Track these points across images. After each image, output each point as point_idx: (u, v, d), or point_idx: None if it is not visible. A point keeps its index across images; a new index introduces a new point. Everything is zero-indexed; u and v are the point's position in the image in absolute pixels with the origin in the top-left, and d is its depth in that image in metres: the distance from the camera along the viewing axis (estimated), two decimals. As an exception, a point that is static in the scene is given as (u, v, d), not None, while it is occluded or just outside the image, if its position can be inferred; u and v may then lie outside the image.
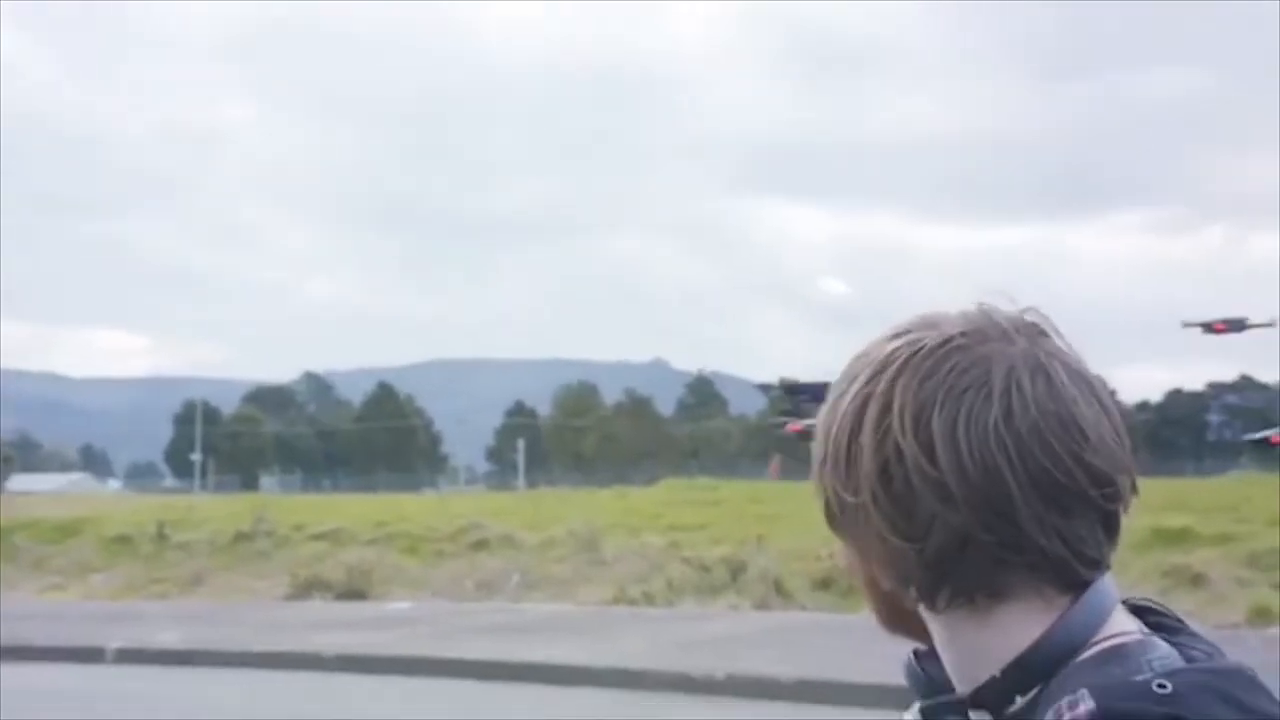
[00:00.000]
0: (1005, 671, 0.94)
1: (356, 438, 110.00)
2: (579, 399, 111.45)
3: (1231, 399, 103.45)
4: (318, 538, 22.51)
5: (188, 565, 21.22)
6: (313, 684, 11.44)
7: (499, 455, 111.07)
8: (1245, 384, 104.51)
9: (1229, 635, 10.48)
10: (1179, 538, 15.64)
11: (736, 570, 17.17)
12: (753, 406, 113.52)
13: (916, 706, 1.01)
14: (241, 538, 22.70)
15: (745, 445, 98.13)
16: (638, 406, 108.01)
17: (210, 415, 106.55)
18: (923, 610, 0.98)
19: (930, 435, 0.93)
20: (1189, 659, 0.95)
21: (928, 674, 1.03)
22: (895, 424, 0.94)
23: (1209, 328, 14.78)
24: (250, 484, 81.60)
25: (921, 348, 0.96)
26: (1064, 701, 0.89)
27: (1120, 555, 0.99)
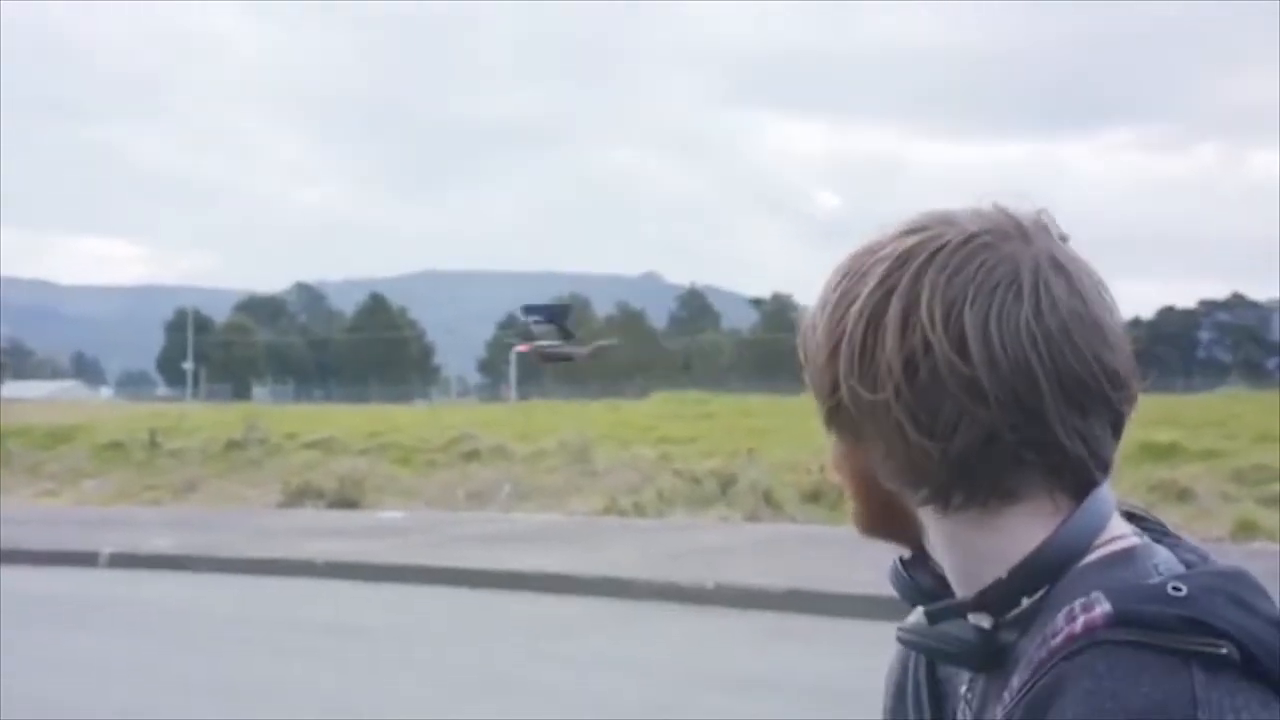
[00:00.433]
0: (1012, 573, 0.94)
1: (348, 348, 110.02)
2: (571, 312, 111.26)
3: (1223, 316, 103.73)
4: (310, 446, 22.59)
5: (180, 472, 21.32)
6: (305, 590, 11.54)
7: (491, 367, 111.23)
8: (1236, 301, 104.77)
9: (1214, 549, 10.53)
10: (1167, 453, 15.76)
11: (727, 482, 17.28)
12: (745, 320, 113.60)
13: (920, 611, 1.00)
14: (234, 446, 22.79)
15: (737, 359, 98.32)
16: (630, 320, 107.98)
17: (202, 324, 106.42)
18: (927, 513, 0.97)
19: (962, 330, 0.91)
20: (1186, 564, 0.95)
21: (915, 580, 1.03)
22: (924, 318, 0.92)
23: None
24: (242, 393, 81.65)
25: (946, 243, 0.94)
26: (1077, 603, 0.89)
27: (1108, 469, 0.99)
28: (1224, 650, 0.84)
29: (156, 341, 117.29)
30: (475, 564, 11.81)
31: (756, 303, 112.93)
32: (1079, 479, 0.94)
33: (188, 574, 12.32)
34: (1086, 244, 0.98)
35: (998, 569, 0.94)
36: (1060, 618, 0.89)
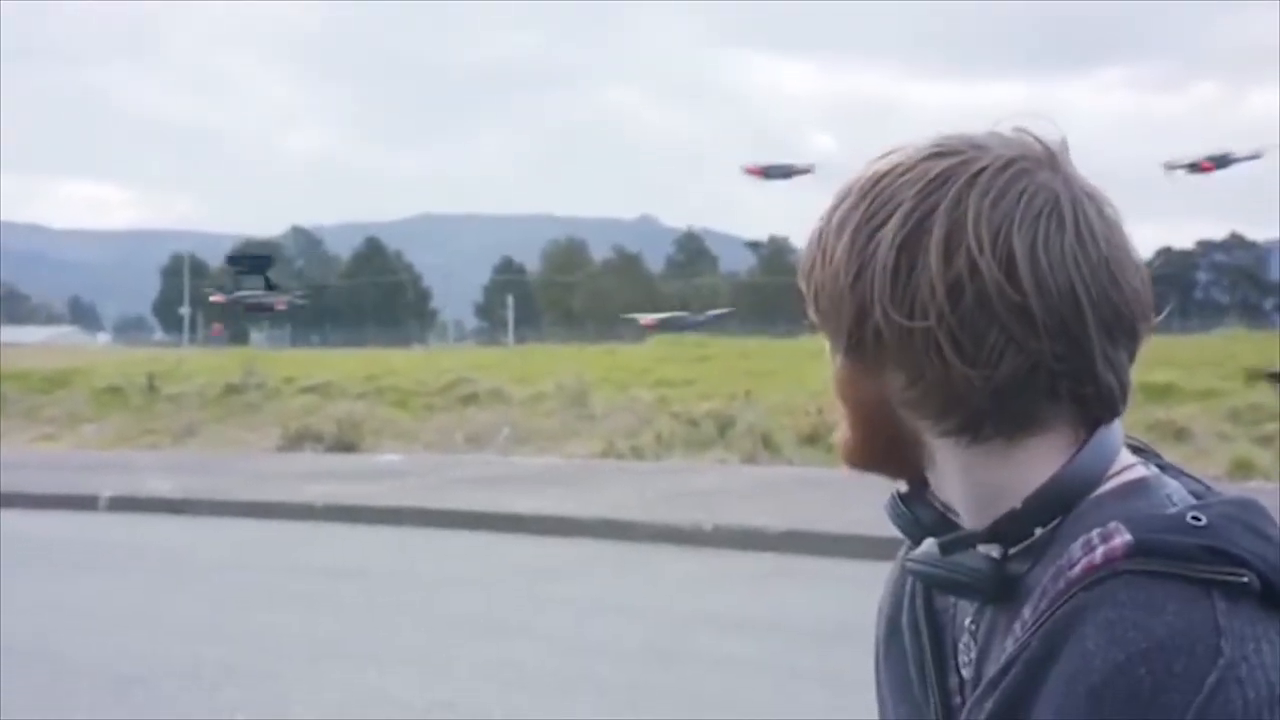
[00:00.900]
0: (1026, 503, 0.93)
1: (345, 293, 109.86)
2: (568, 255, 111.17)
3: (1220, 257, 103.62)
4: (308, 391, 22.61)
5: (178, 417, 21.34)
6: (303, 533, 11.59)
7: (488, 312, 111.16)
8: (1235, 242, 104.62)
9: (1209, 489, 10.59)
10: (1164, 393, 15.78)
11: (725, 425, 17.32)
12: (743, 263, 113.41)
13: (931, 542, 0.99)
14: (232, 390, 22.80)
15: (735, 302, 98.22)
16: (626, 263, 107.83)
17: (198, 269, 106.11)
18: (946, 444, 0.95)
19: (1010, 254, 0.89)
20: (1194, 494, 0.95)
21: (915, 515, 1.02)
22: (971, 240, 0.89)
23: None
24: (239, 338, 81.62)
25: (985, 167, 0.92)
26: (1094, 533, 0.88)
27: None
28: (1245, 579, 0.84)
29: (152, 286, 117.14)
30: (473, 507, 11.85)
31: (754, 245, 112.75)
32: (1106, 410, 0.94)
33: (187, 517, 12.36)
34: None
35: (1012, 500, 0.94)
36: (1077, 548, 0.88)
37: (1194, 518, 0.87)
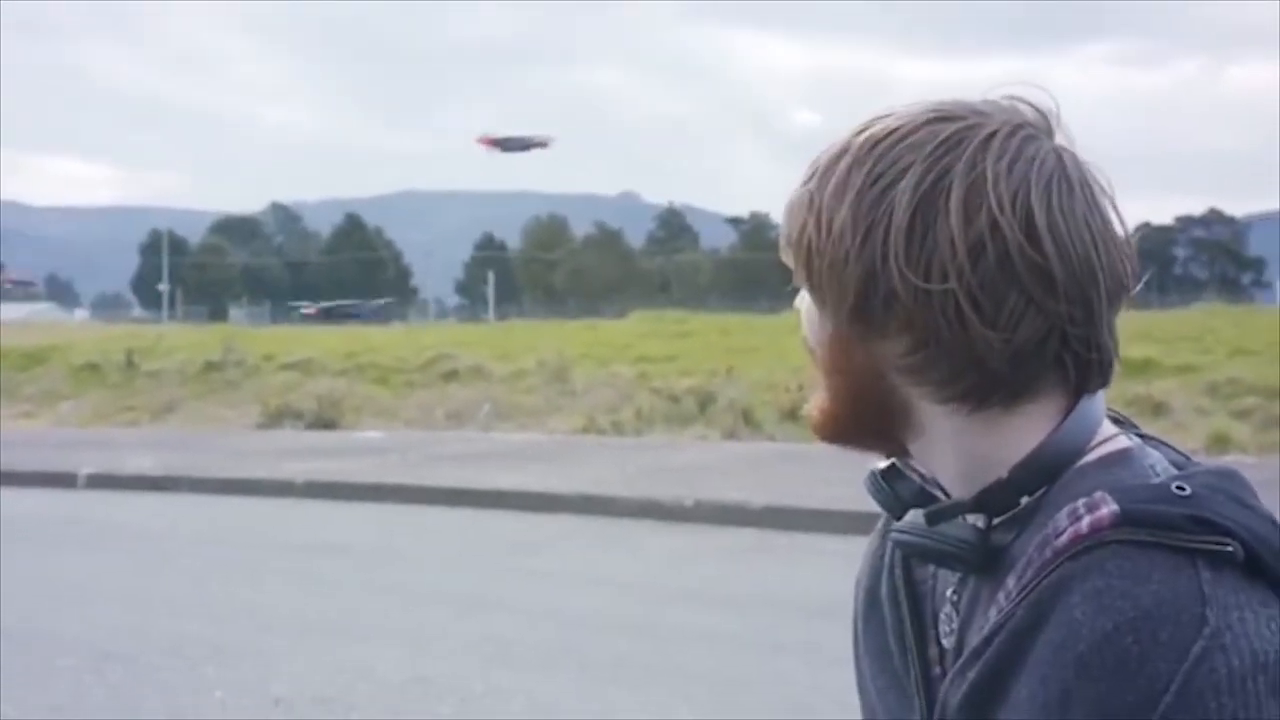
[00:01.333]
0: (1013, 472, 0.93)
1: (325, 269, 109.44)
2: (549, 232, 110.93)
3: (1199, 232, 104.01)
4: (288, 367, 22.54)
5: (158, 394, 21.27)
6: (284, 510, 11.57)
7: (468, 289, 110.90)
8: (1214, 217, 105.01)
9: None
10: (1142, 368, 15.86)
11: (705, 401, 17.35)
12: (724, 240, 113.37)
13: (918, 513, 0.99)
14: (211, 367, 22.72)
15: (716, 278, 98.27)
16: (608, 239, 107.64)
17: (177, 246, 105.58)
18: (943, 412, 0.94)
19: (1030, 217, 0.89)
20: (1176, 464, 0.95)
21: (895, 490, 1.02)
22: (991, 201, 0.88)
23: (504, 145, 14.62)
24: (219, 315, 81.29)
25: (996, 130, 0.91)
26: (1080, 503, 0.88)
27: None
28: (1230, 548, 0.84)
29: (130, 263, 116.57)
30: (454, 483, 11.85)
31: (735, 222, 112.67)
32: (1101, 378, 0.94)
33: (166, 494, 12.33)
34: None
35: (999, 469, 0.93)
36: (1063, 517, 0.88)
37: (1178, 488, 0.87)
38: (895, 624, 1.05)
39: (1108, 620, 0.82)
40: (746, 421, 16.04)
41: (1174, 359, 16.99)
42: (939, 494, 1.00)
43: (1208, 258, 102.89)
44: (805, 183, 0.96)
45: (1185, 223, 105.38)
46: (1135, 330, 19.07)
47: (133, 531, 10.63)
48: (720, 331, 25.27)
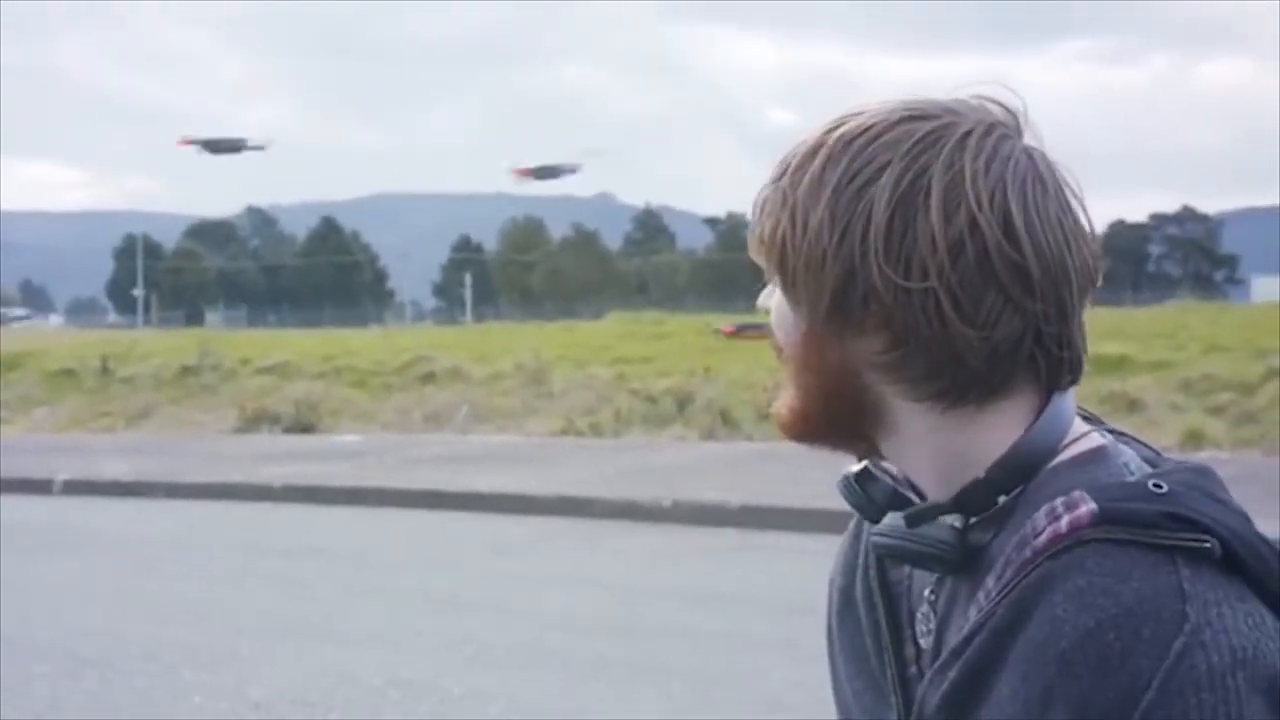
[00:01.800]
0: (990, 472, 0.93)
1: (301, 273, 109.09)
2: (525, 233, 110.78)
3: (1173, 230, 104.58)
4: (264, 371, 22.48)
5: (133, 399, 21.16)
6: (262, 514, 11.52)
7: (446, 291, 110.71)
8: (1187, 215, 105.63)
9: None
10: (1117, 365, 15.96)
11: (683, 401, 17.37)
12: (701, 240, 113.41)
13: (896, 516, 0.99)
14: (187, 372, 22.64)
15: (693, 279, 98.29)
16: (584, 241, 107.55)
17: (151, 250, 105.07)
18: (919, 410, 0.94)
19: (1008, 216, 0.89)
20: (1148, 461, 0.96)
21: (868, 493, 1.02)
22: (970, 200, 0.89)
23: (212, 146, 14.80)
24: (195, 320, 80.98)
25: (971, 129, 0.91)
26: (1058, 502, 0.88)
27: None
28: (1208, 544, 0.85)
29: (105, 268, 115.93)
30: (432, 485, 11.82)
31: (711, 222, 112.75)
32: (1071, 376, 0.94)
33: (143, 500, 12.26)
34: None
35: (975, 468, 0.94)
36: (1041, 516, 0.88)
37: (1155, 485, 0.88)
38: (871, 625, 1.05)
39: (1090, 617, 0.83)
40: (724, 421, 16.07)
41: (1148, 356, 17.10)
42: (911, 495, 1.01)
43: (1181, 255, 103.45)
44: (776, 180, 0.96)
45: (1159, 220, 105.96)
46: (1110, 327, 19.18)
47: (109, 537, 10.56)
48: (697, 332, 25.32)
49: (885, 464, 1.03)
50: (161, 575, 8.97)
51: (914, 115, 0.92)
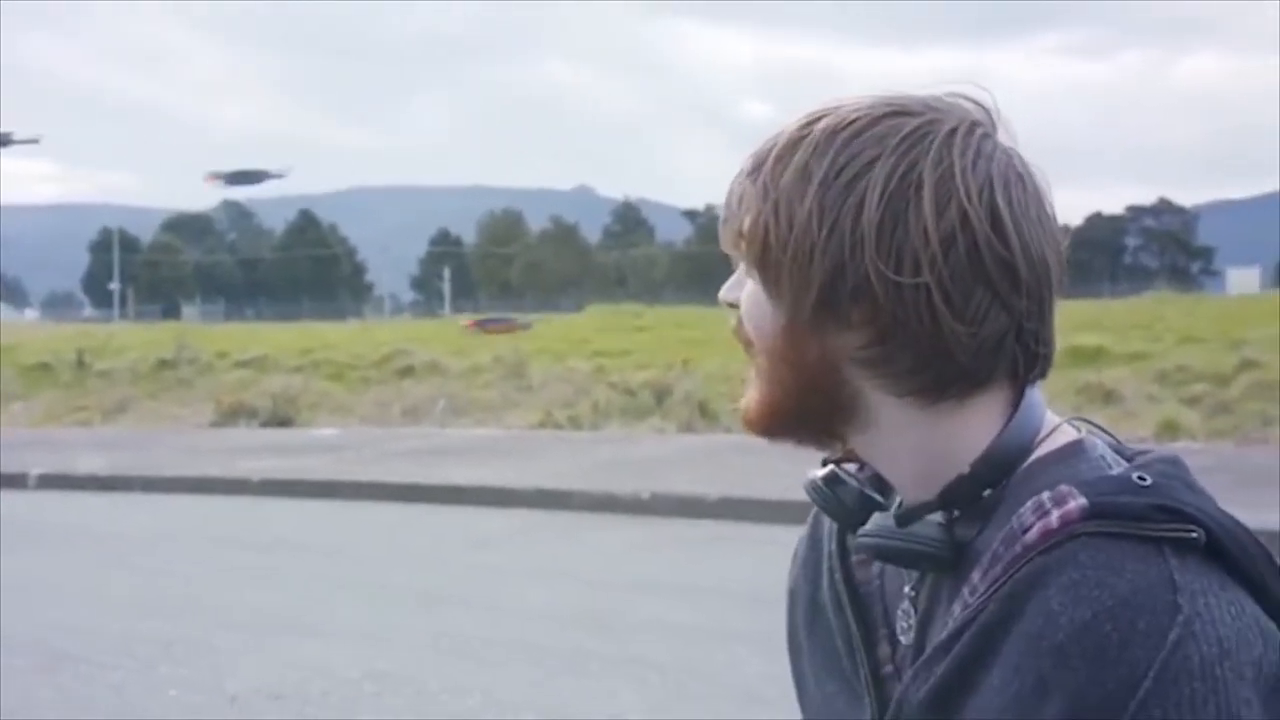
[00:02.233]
0: (974, 467, 0.93)
1: (279, 267, 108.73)
2: (504, 227, 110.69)
3: (1149, 222, 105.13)
4: (242, 365, 22.41)
5: (110, 393, 21.06)
6: (240, 508, 11.49)
7: (424, 284, 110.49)
8: (1164, 207, 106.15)
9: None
10: (1093, 356, 16.04)
11: (662, 394, 17.38)
12: (680, 233, 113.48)
13: (884, 516, 0.98)
14: (164, 365, 22.55)
15: (672, 271, 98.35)
16: (563, 234, 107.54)
17: (128, 243, 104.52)
18: (900, 406, 0.94)
19: (996, 212, 0.89)
20: (1121, 453, 0.97)
21: (838, 495, 1.02)
22: (961, 195, 0.89)
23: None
24: (171, 313, 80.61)
25: (956, 127, 0.91)
26: (1045, 496, 0.88)
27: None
28: (1194, 534, 0.85)
29: (80, 261, 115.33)
30: (410, 479, 11.81)
31: (690, 215, 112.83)
32: (1043, 371, 0.95)
33: (119, 494, 12.21)
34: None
35: (956, 463, 0.94)
36: (1028, 512, 0.88)
37: (1139, 478, 0.88)
38: (841, 627, 1.05)
39: (1086, 610, 0.83)
40: (703, 414, 16.08)
41: (1124, 347, 17.19)
42: (877, 496, 1.01)
43: (1158, 247, 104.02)
44: (751, 174, 0.95)
45: (1136, 212, 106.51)
46: (1086, 318, 19.27)
47: (85, 532, 10.52)
48: (675, 324, 25.34)
49: (847, 466, 1.03)
50: (137, 569, 8.93)
51: (898, 111, 0.92)
